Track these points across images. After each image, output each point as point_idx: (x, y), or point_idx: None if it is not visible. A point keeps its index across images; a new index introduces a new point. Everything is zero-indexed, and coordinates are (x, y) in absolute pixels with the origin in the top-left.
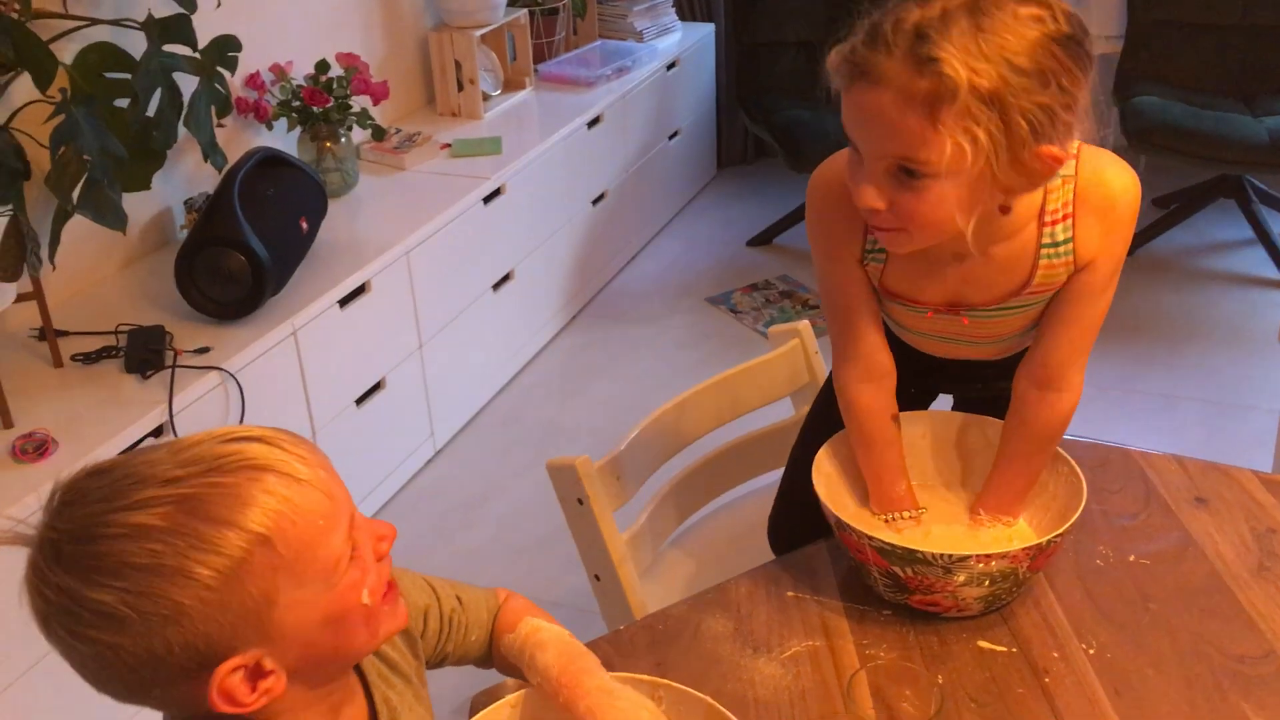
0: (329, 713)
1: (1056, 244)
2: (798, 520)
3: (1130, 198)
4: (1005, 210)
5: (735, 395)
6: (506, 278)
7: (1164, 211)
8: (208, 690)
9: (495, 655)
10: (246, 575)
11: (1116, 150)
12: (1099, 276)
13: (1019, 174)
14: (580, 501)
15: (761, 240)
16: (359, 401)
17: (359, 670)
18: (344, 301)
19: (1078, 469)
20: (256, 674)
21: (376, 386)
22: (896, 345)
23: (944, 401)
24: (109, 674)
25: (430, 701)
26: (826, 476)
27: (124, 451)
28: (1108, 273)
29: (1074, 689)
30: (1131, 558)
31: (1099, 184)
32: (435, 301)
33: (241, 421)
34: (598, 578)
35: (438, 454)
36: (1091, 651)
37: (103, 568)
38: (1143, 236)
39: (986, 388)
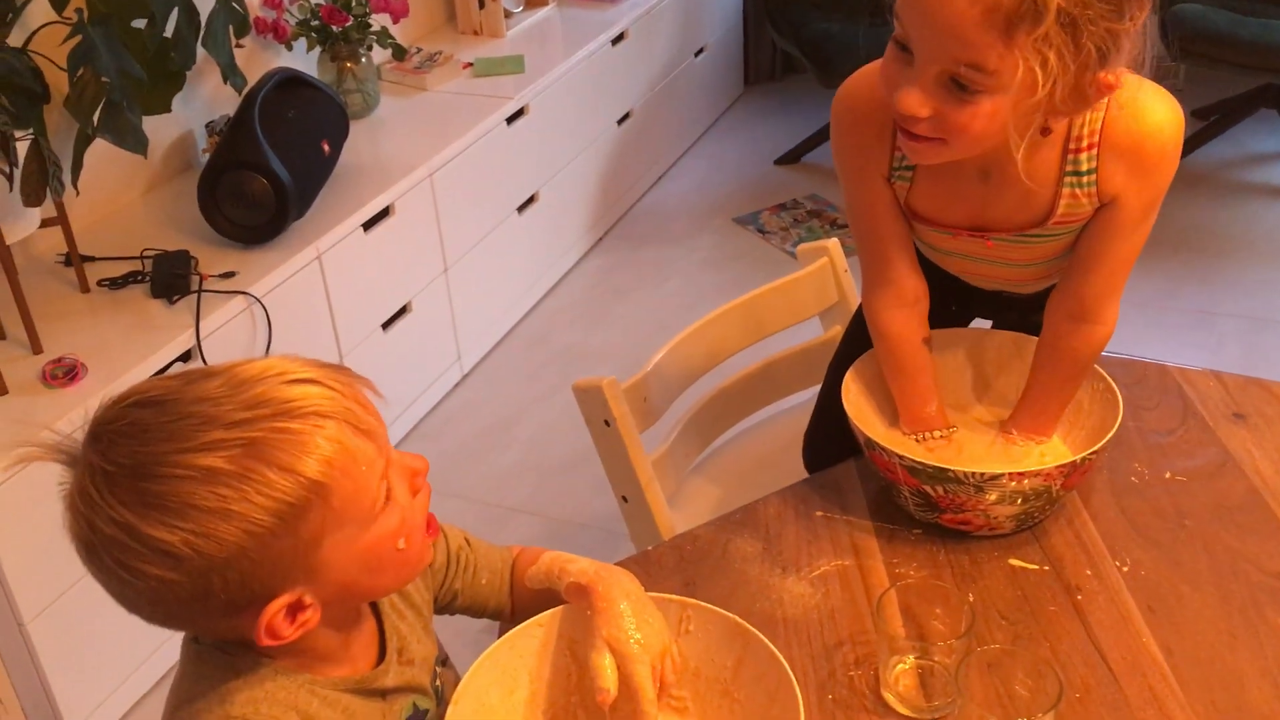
0: (342, 639)
1: (1080, 174)
2: (834, 439)
3: (1163, 138)
4: (1046, 132)
5: (763, 315)
6: (531, 200)
7: (1204, 123)
8: (248, 623)
9: (516, 597)
10: (301, 520)
11: (1157, 60)
12: (1128, 214)
13: (1073, 99)
14: (607, 423)
15: (789, 159)
16: (385, 326)
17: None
18: (368, 225)
19: (1114, 386)
20: (296, 609)
21: (403, 310)
22: (931, 270)
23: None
24: (153, 606)
25: (436, 636)
26: (856, 396)
27: (156, 375)
28: (1138, 212)
29: (1106, 606)
30: (1167, 475)
31: (1131, 118)
32: (460, 224)
33: (269, 348)
34: (625, 499)
35: (465, 378)
36: (1125, 569)
37: (167, 507)
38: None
39: (1023, 318)
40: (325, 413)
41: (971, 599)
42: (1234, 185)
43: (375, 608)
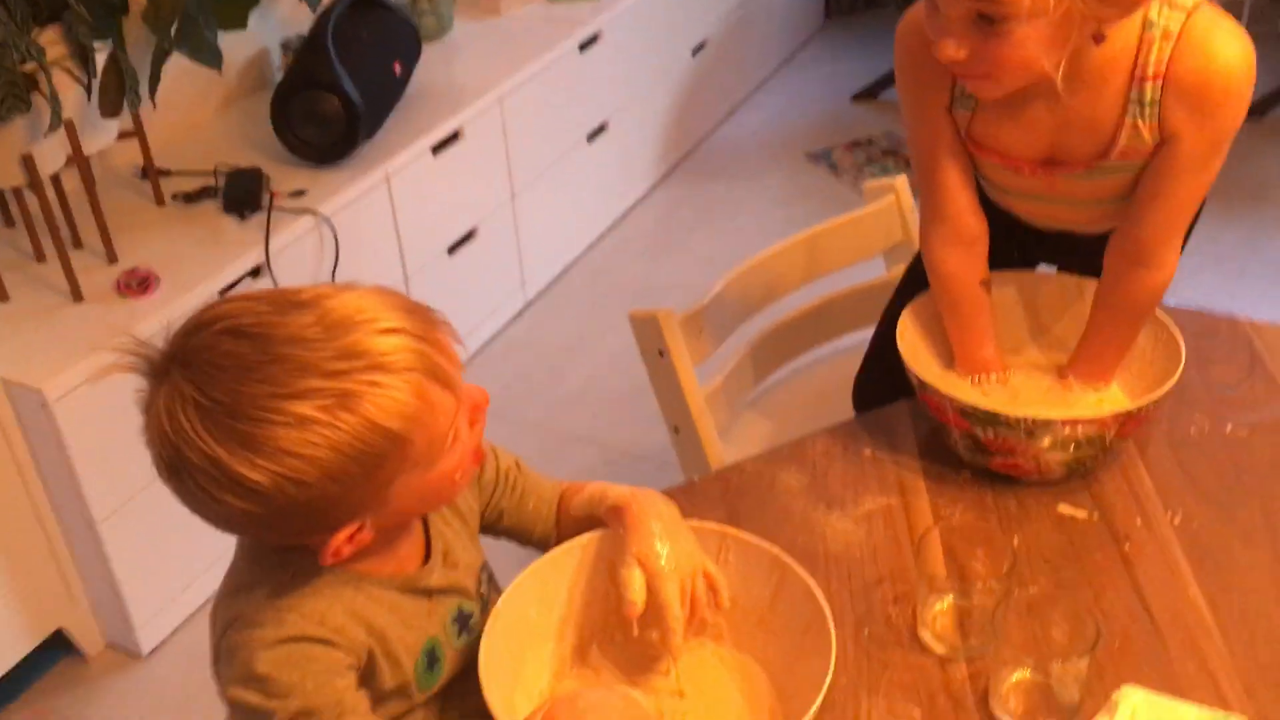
0: (390, 542)
1: (1144, 103)
2: (884, 382)
3: (1230, 79)
4: (1099, 39)
5: (825, 252)
6: (602, 129)
7: None
8: (311, 542)
9: (562, 528)
10: (380, 466)
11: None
12: (1188, 154)
13: (1105, 2)
14: (661, 354)
15: (867, 95)
16: (451, 250)
17: None
18: (437, 149)
19: (1178, 335)
20: (358, 531)
21: (469, 236)
22: (995, 213)
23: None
24: (227, 524)
25: (481, 547)
26: (911, 337)
27: (240, 294)
28: (1199, 152)
29: (1155, 557)
30: (1229, 428)
31: (1198, 54)
32: (529, 151)
33: (335, 269)
34: (677, 430)
35: (529, 305)
36: (1177, 521)
37: (259, 448)
38: (1276, 94)
39: (1087, 264)
40: (412, 366)
41: (1016, 543)
42: None
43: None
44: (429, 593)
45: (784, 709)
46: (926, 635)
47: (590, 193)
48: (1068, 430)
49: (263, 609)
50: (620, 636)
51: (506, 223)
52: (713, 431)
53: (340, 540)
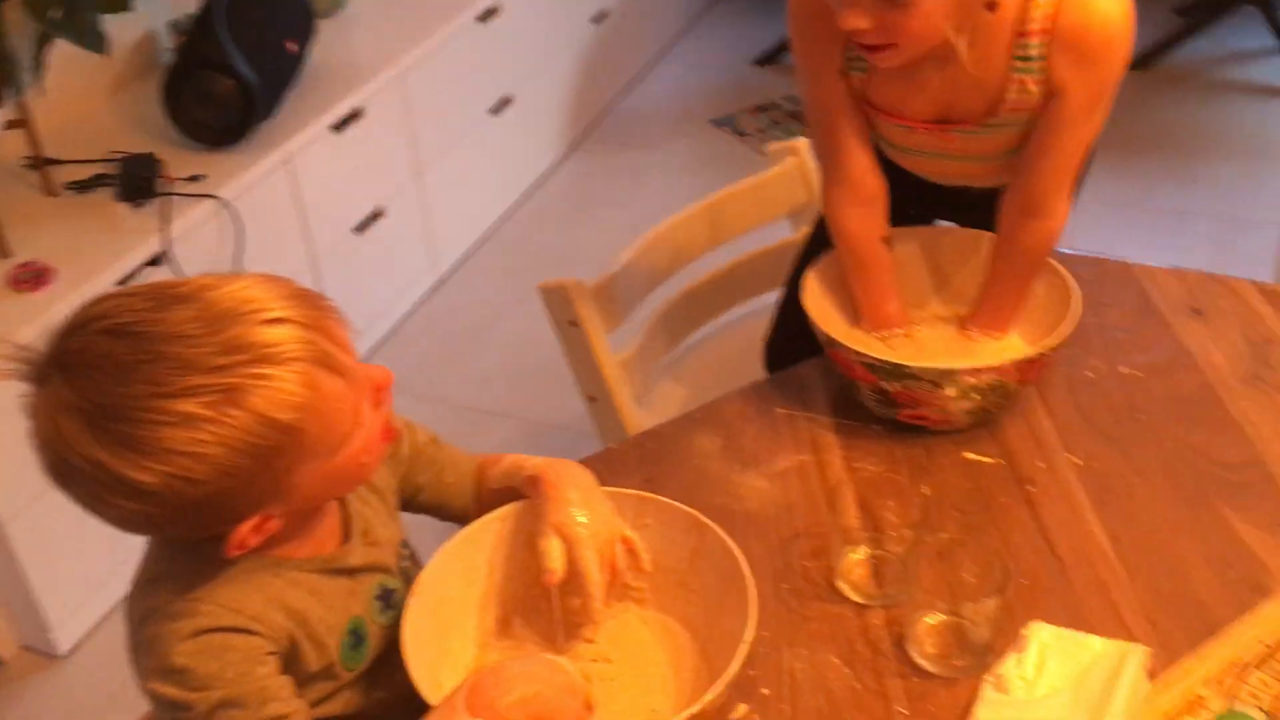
0: (306, 525)
1: (1029, 59)
2: (793, 341)
3: (1110, 29)
4: (992, 7)
5: (730, 217)
6: (506, 102)
7: (1185, 20)
8: (215, 535)
9: (481, 502)
10: (274, 458)
11: None
12: (1074, 106)
13: None
14: (572, 324)
15: (769, 59)
16: (358, 230)
17: None
18: (338, 127)
19: (1071, 282)
20: (262, 523)
21: (376, 215)
22: (893, 172)
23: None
24: (125, 523)
25: (401, 523)
26: (817, 296)
27: (121, 287)
28: (1084, 104)
29: (1058, 498)
30: (1123, 369)
31: (1079, 8)
32: (432, 127)
33: (239, 254)
34: (593, 399)
35: (441, 282)
36: (1078, 462)
37: (144, 450)
38: (1161, 46)
39: (983, 216)
40: (300, 356)
41: (926, 491)
42: (1213, 83)
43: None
44: (350, 572)
45: (708, 666)
46: (843, 585)
47: (497, 166)
48: (972, 379)
49: (177, 600)
50: (543, 607)
51: (414, 200)
52: (628, 399)
53: (244, 532)
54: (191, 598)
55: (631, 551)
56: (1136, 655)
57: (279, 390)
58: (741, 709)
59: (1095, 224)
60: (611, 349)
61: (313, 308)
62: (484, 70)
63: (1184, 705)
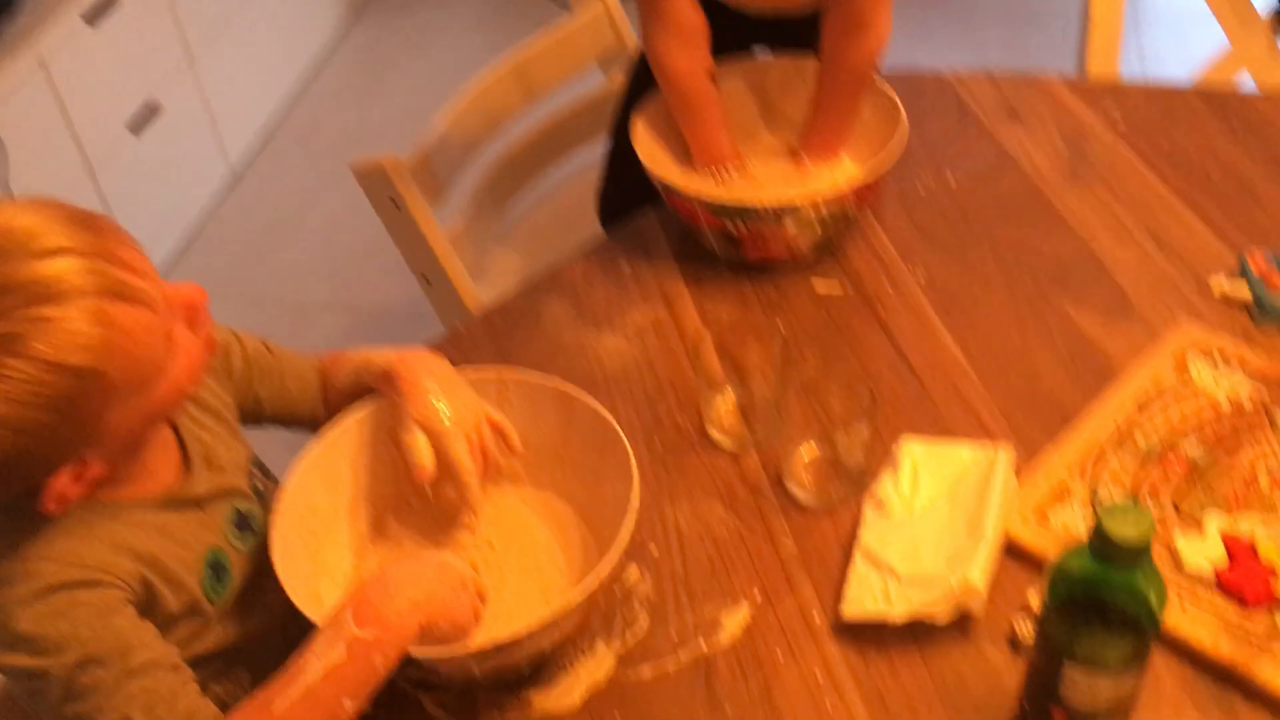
0: (138, 460)
1: None
2: (626, 191)
3: None
4: None
5: (540, 72)
6: None
7: None
8: (35, 493)
9: (330, 403)
10: (77, 407)
11: None
12: None
13: None
14: (395, 203)
15: None
16: (136, 131)
17: None
18: (91, 18)
19: (896, 99)
20: (81, 471)
21: (152, 110)
22: (710, 7)
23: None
24: None
25: (247, 441)
26: (646, 142)
27: None
28: None
29: (907, 315)
30: (951, 181)
31: None
32: (196, 6)
33: (5, 181)
34: (427, 280)
35: (237, 176)
36: (921, 277)
37: None
38: None
39: (800, 43)
40: (86, 290)
41: (782, 328)
42: None
43: (169, 420)
44: (198, 502)
45: (594, 535)
46: (715, 433)
47: (276, 42)
48: (812, 209)
49: (11, 563)
50: (416, 503)
51: (191, 90)
52: (464, 275)
53: (61, 484)
54: (25, 558)
55: (501, 433)
56: (1004, 457)
57: (65, 332)
58: (634, 572)
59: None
60: (439, 224)
61: (95, 232)
62: None
63: (1052, 496)
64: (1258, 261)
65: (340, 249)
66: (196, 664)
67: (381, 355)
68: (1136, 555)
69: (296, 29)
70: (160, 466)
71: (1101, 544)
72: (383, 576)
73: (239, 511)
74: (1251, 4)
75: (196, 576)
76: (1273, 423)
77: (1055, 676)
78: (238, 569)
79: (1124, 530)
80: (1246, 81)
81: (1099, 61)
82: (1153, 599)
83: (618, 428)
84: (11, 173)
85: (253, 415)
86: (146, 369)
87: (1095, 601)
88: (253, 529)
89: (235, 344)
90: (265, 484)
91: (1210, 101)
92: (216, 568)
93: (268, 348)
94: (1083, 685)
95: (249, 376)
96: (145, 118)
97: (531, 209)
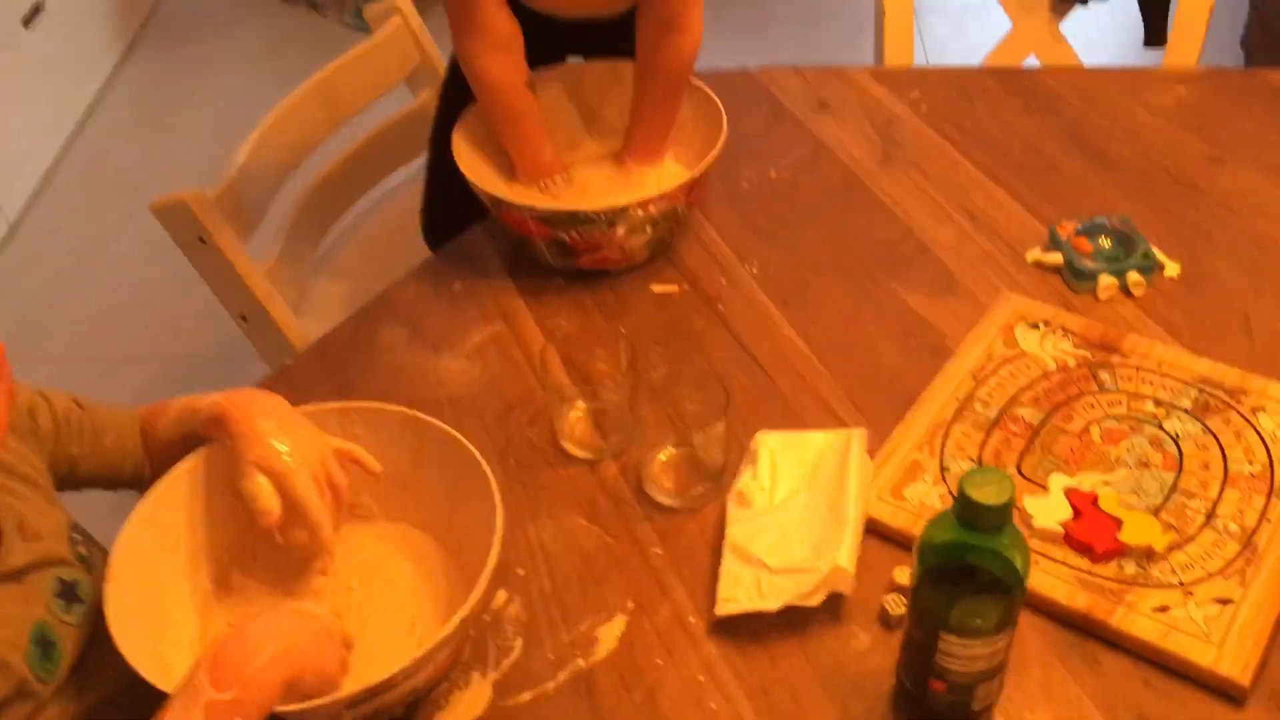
0: None
1: None
2: (450, 208)
3: None
4: None
5: (344, 93)
6: (37, 10)
7: None
8: None
9: (154, 457)
10: None
11: None
12: None
13: None
14: (202, 240)
15: None
16: None
17: None
18: None
19: (714, 97)
20: None
21: None
22: (519, 12)
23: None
24: None
25: (65, 506)
26: (468, 156)
27: None
28: None
29: (746, 309)
30: (772, 174)
31: None
32: None
33: None
34: (244, 318)
35: (13, 228)
36: (755, 271)
37: None
38: None
39: (614, 49)
40: None
41: (625, 333)
42: None
43: None
44: (15, 575)
45: (457, 562)
46: (570, 445)
47: (45, 85)
48: (642, 211)
49: None
50: (263, 552)
51: None
52: (285, 309)
53: None
54: None
55: (352, 460)
56: (857, 440)
57: None
58: (501, 596)
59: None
60: (251, 258)
61: None
62: None
63: (905, 473)
64: (1067, 230)
65: (137, 294)
66: None
67: (207, 399)
68: (1000, 518)
69: (65, 69)
70: None
71: (966, 510)
72: (238, 633)
73: (62, 581)
74: None
75: (21, 654)
76: (1098, 381)
77: (931, 648)
78: (68, 642)
79: (987, 495)
80: (1032, 63)
81: (895, 53)
82: (1018, 560)
83: (472, 448)
84: None
85: (68, 478)
86: None
87: (964, 568)
88: (80, 598)
89: (42, 403)
90: (90, 549)
91: (1003, 80)
92: (43, 644)
93: (79, 404)
94: (959, 652)
95: (59, 436)
96: None
97: (350, 235)
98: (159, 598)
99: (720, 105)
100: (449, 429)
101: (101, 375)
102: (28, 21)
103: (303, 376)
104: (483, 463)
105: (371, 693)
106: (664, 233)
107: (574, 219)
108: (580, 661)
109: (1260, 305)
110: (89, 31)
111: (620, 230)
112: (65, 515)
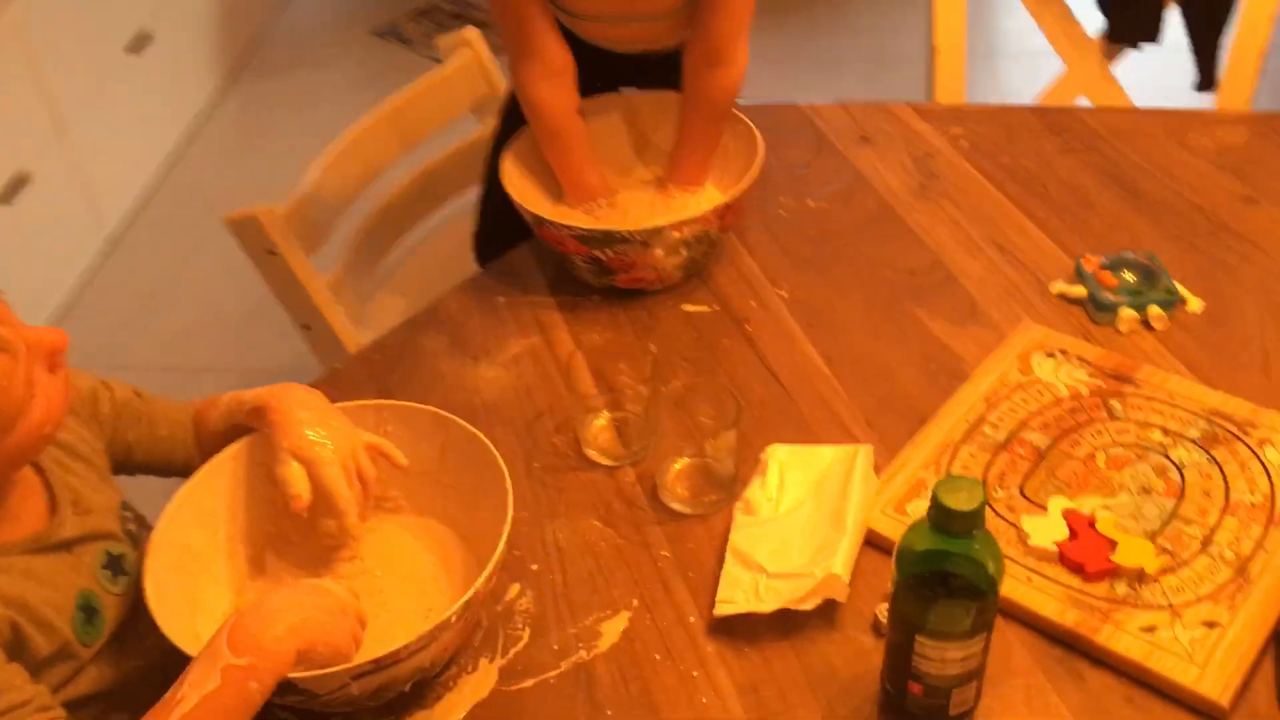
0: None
1: None
2: (501, 231)
3: None
4: None
5: (414, 119)
6: (145, 37)
7: None
8: None
9: (204, 448)
10: None
11: None
12: None
13: None
14: (271, 253)
15: None
16: (6, 200)
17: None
18: None
19: (754, 128)
20: None
21: (20, 181)
22: (576, 46)
23: None
24: None
25: (117, 486)
26: (516, 179)
27: None
28: None
29: (773, 330)
30: (810, 203)
31: None
32: (64, 75)
33: None
34: (307, 327)
35: (113, 243)
36: (785, 294)
37: None
38: None
39: (664, 80)
40: None
41: (653, 348)
42: None
43: (35, 465)
44: (66, 545)
45: (475, 557)
46: (592, 452)
47: (149, 110)
48: (676, 233)
49: None
50: (296, 537)
51: (61, 159)
52: (344, 319)
53: None
54: None
55: (382, 454)
56: (864, 454)
57: None
58: (514, 589)
59: (760, 77)
60: (316, 271)
61: None
62: (108, 6)
63: (909, 490)
64: (1092, 264)
65: (223, 310)
66: (73, 707)
67: (252, 392)
68: (971, 523)
69: (171, 94)
70: (25, 512)
71: (938, 515)
72: (259, 604)
73: (110, 554)
74: (1083, 29)
75: (67, 619)
76: (1108, 409)
77: (909, 651)
78: (110, 611)
79: (958, 501)
80: (1084, 103)
81: (945, 91)
82: (990, 565)
83: (490, 446)
84: None
85: (124, 462)
86: (8, 412)
87: (939, 573)
88: (125, 571)
89: (104, 390)
90: (138, 527)
91: (1045, 118)
92: (88, 610)
93: (139, 394)
94: (934, 656)
95: (119, 422)
96: (12, 187)
97: (411, 254)
98: (195, 574)
99: (759, 135)
100: (473, 429)
101: (178, 384)
102: (135, 49)
103: (349, 379)
104: (498, 457)
105: (378, 665)
106: (698, 254)
107: (609, 238)
108: (582, 653)
109: None
110: (193, 61)
111: (657, 251)
112: (117, 494)
